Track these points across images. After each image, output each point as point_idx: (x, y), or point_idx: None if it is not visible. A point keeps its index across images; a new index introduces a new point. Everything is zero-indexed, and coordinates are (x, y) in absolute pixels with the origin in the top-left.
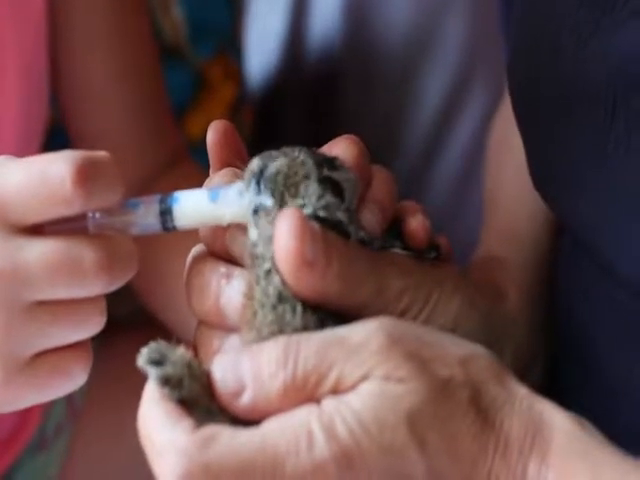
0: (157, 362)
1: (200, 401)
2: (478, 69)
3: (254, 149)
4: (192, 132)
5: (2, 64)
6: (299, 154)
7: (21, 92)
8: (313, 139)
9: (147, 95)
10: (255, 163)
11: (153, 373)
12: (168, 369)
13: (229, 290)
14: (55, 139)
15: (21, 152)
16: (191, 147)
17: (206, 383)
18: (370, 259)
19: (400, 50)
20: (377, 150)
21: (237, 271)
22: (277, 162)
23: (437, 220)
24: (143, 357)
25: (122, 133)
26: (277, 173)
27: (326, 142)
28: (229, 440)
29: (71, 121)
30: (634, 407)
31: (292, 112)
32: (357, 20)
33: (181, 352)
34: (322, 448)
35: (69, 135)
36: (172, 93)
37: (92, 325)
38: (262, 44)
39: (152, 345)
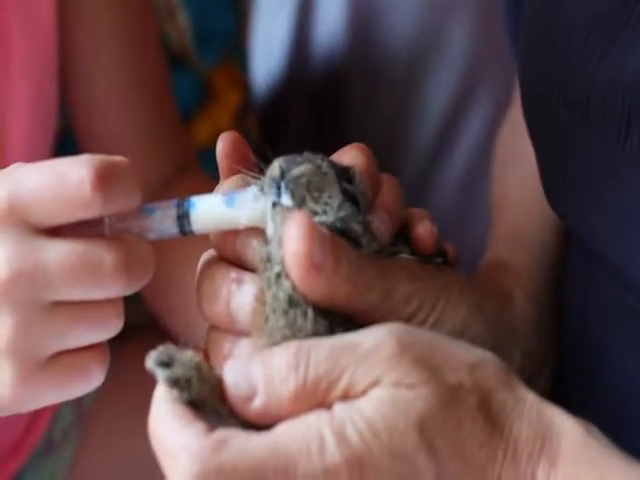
0: (165, 364)
1: (209, 403)
2: (483, 74)
3: (260, 155)
4: (198, 139)
5: (12, 75)
6: (322, 162)
7: (32, 104)
8: (319, 145)
9: (155, 103)
10: (277, 165)
11: (161, 374)
12: (177, 370)
13: (240, 295)
14: (63, 148)
15: (31, 161)
16: (197, 154)
17: (215, 385)
18: (379, 264)
19: (405, 56)
20: (383, 155)
21: (248, 276)
22: (302, 167)
23: (443, 224)
24: (152, 359)
25: (129, 141)
26: (301, 176)
27: (332, 148)
28: (242, 443)
29: (79, 129)
30: None
31: (297, 118)
32: (362, 26)
33: (190, 354)
34: (333, 453)
35: (78, 143)
36: (178, 100)
37: (110, 327)
38: (267, 50)
39: (161, 348)
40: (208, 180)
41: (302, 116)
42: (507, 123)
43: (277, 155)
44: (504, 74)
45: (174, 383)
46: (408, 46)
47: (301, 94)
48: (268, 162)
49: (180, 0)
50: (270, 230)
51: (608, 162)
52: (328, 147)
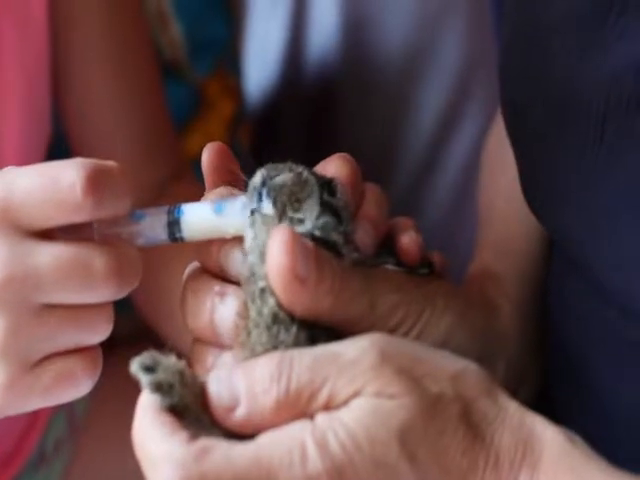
0: (149, 368)
1: (192, 409)
2: (476, 82)
3: (252, 164)
4: (191, 149)
5: (5, 78)
6: (302, 171)
7: (25, 107)
8: (311, 154)
9: (148, 111)
10: (259, 174)
11: (145, 379)
12: (160, 375)
13: (223, 308)
14: (57, 156)
15: (25, 165)
16: (190, 164)
17: (198, 392)
18: (363, 275)
19: (398, 64)
20: (375, 164)
21: (231, 289)
22: (284, 175)
23: (435, 231)
24: (136, 364)
25: (122, 148)
26: (282, 185)
27: (324, 156)
28: (224, 452)
29: (72, 137)
30: (623, 423)
31: (290, 127)
32: (355, 35)
33: (173, 360)
34: (315, 462)
35: (71, 150)
36: (171, 110)
37: (100, 330)
38: (260, 60)
39: (145, 353)
40: (202, 189)
41: (295, 124)
42: (494, 131)
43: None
44: (496, 85)
45: (157, 388)
46: (401, 54)
47: (294, 102)
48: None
49: (172, 10)
50: (249, 238)
51: (584, 164)
52: (320, 155)
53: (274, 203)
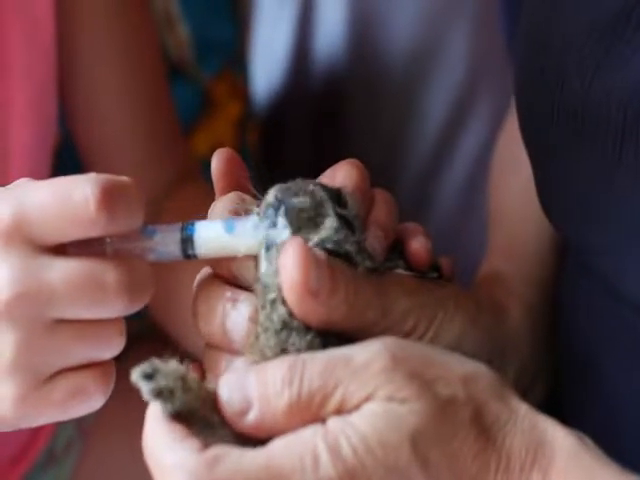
0: (149, 376)
1: (198, 413)
2: (482, 83)
3: (260, 167)
4: (198, 150)
5: (13, 78)
6: (314, 189)
7: (33, 106)
8: (318, 154)
9: (154, 111)
10: (271, 197)
11: (144, 387)
12: (159, 382)
13: (235, 314)
14: (64, 156)
15: (32, 172)
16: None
17: (205, 396)
18: (375, 282)
19: (404, 66)
20: (382, 164)
21: (243, 295)
22: (297, 200)
23: (442, 236)
24: (136, 373)
25: (128, 147)
26: (299, 210)
27: (330, 159)
28: (236, 459)
29: (78, 136)
30: (633, 424)
31: (298, 127)
32: (362, 35)
33: (174, 365)
34: (327, 468)
35: (77, 150)
36: (178, 111)
37: (112, 345)
38: (267, 60)
39: (145, 362)
40: (209, 190)
41: (302, 124)
42: (505, 131)
43: (273, 171)
44: (503, 86)
45: (157, 394)
46: (408, 54)
47: (301, 103)
48: (265, 178)
49: (179, 11)
50: (264, 268)
51: (602, 177)
52: (327, 158)
53: (290, 226)
